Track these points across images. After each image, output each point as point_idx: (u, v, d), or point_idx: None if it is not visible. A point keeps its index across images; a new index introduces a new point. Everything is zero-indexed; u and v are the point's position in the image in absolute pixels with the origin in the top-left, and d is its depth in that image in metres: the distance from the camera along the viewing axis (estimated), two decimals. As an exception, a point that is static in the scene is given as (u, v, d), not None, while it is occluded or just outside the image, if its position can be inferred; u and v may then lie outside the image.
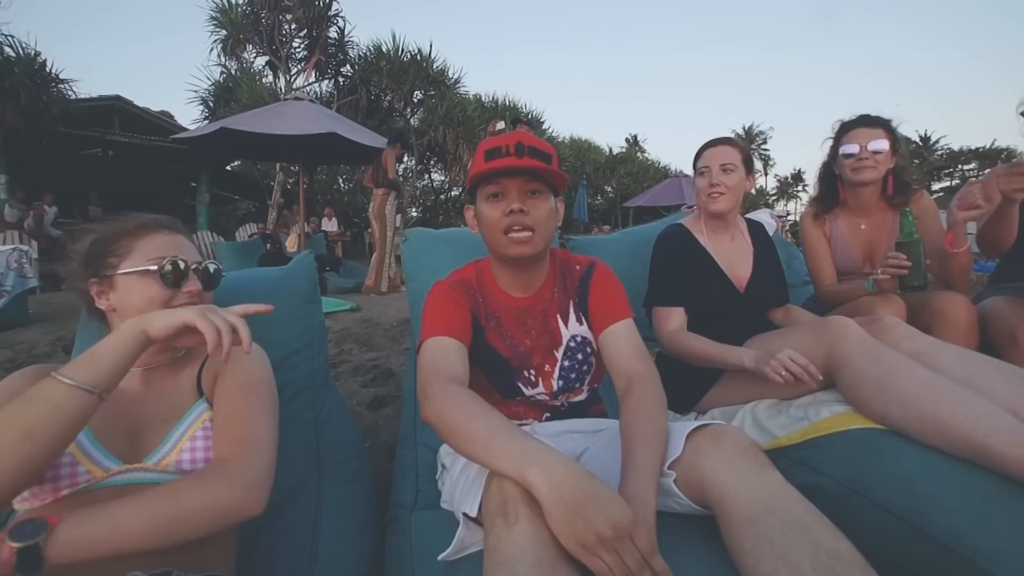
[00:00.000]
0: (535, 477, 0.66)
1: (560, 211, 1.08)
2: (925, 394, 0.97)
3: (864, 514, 0.95)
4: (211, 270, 0.95)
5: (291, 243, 7.49)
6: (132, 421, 0.85)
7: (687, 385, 1.40)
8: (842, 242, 1.72)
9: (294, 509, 1.04)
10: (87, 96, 10.04)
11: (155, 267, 0.87)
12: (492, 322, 1.09)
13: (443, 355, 0.94)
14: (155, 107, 13.07)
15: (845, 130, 1.65)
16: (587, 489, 0.64)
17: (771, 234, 1.77)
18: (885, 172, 1.61)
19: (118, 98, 10.81)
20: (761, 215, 3.79)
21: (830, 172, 1.74)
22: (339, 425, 1.26)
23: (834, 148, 1.69)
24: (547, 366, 1.09)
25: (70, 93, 9.20)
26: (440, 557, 0.79)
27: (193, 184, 11.88)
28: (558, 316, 1.11)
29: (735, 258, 1.55)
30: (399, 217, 5.68)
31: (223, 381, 0.89)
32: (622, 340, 1.03)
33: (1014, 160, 1.36)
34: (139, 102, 11.30)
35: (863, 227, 1.69)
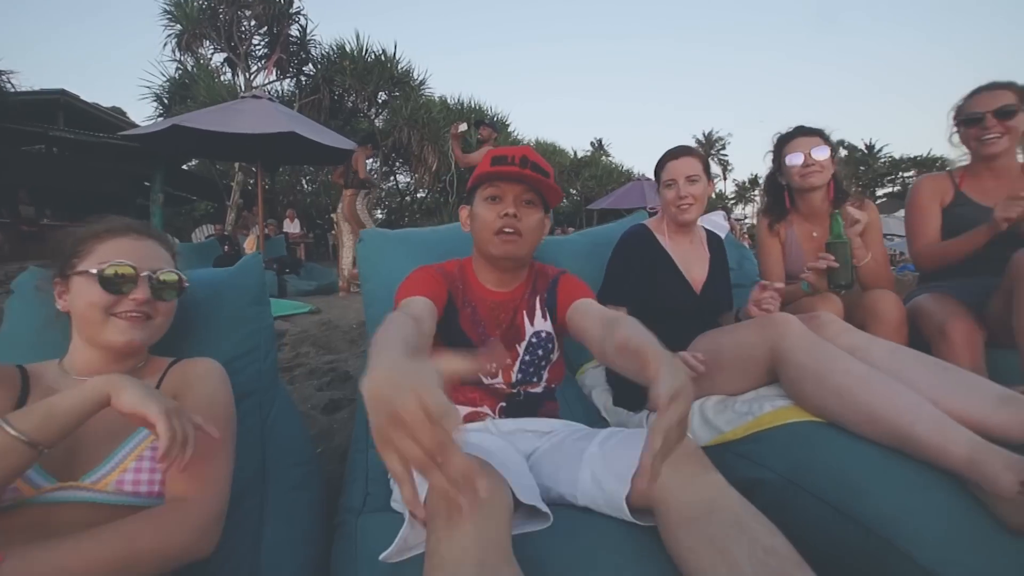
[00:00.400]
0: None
1: (547, 225, 1.17)
2: (858, 386, 1.02)
3: (802, 504, 1.00)
4: (162, 279, 0.91)
5: (249, 244, 7.27)
6: (72, 435, 0.79)
7: (636, 384, 1.43)
8: (796, 247, 1.78)
9: (236, 515, 0.99)
10: (28, 89, 9.53)
11: (95, 271, 0.84)
12: (468, 309, 1.14)
13: (409, 303, 0.99)
14: (105, 103, 12.51)
15: (785, 142, 1.72)
16: (399, 368, 0.55)
17: (723, 235, 1.83)
18: (828, 179, 1.68)
19: (63, 92, 10.30)
20: (715, 216, 3.91)
21: (775, 183, 1.80)
22: (287, 429, 1.23)
23: (777, 160, 1.75)
24: (508, 359, 1.12)
25: (7, 85, 8.70)
26: (381, 557, 0.78)
27: (147, 183, 11.38)
28: (524, 313, 1.16)
29: (693, 262, 1.60)
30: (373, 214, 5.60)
31: (182, 405, 0.84)
32: (592, 305, 1.09)
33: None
34: (87, 97, 10.81)
35: (815, 234, 1.76)
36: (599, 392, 1.65)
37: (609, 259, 1.63)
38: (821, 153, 1.64)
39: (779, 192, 1.79)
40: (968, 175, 1.72)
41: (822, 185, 1.68)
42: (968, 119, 1.65)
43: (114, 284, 0.84)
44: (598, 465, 0.89)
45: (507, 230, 1.06)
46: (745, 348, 1.23)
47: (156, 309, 0.90)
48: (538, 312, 1.17)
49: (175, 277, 0.93)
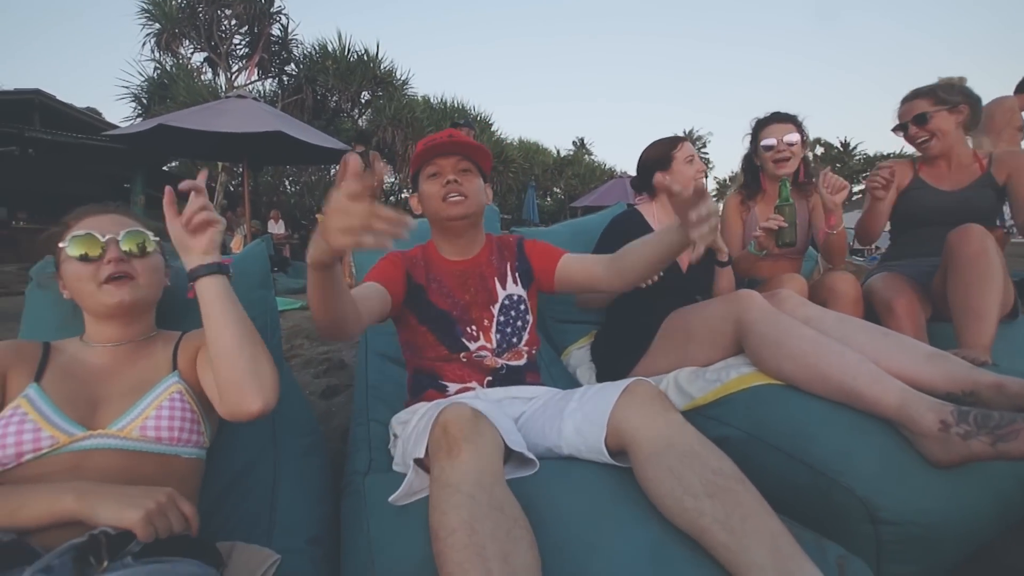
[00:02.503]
0: None
1: (489, 193, 1.32)
2: (810, 349, 1.14)
3: (762, 455, 1.12)
4: (126, 236, 0.94)
5: (236, 244, 7.27)
6: (97, 391, 0.88)
7: (619, 357, 1.55)
8: (755, 227, 1.92)
9: (251, 478, 1.10)
10: (1, 89, 9.34)
11: (63, 245, 0.91)
12: (434, 284, 1.26)
13: (359, 288, 1.14)
14: (80, 103, 12.29)
15: (761, 126, 1.88)
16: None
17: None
18: (798, 163, 1.85)
19: (38, 92, 10.09)
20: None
21: (752, 163, 1.97)
22: (293, 403, 1.32)
23: (753, 143, 1.91)
24: (485, 320, 1.25)
25: (-22, 85, 8.55)
26: (390, 498, 0.89)
27: (126, 185, 11.24)
28: (495, 278, 1.30)
29: None
30: None
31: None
32: (574, 256, 1.31)
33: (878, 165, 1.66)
34: (61, 97, 10.62)
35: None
36: (583, 370, 1.77)
37: (599, 238, 1.76)
38: (792, 138, 1.81)
39: (756, 172, 1.96)
40: (925, 163, 1.90)
41: (792, 170, 1.84)
42: (898, 128, 1.86)
43: (84, 254, 0.90)
44: (578, 417, 1.00)
45: (452, 196, 1.20)
46: (713, 321, 1.35)
47: (134, 268, 0.94)
48: (509, 277, 1.31)
49: (140, 233, 0.97)
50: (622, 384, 0.99)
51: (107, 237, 0.92)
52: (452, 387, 1.21)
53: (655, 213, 1.74)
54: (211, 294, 0.88)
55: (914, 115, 1.78)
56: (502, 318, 1.26)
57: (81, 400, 0.86)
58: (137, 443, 0.84)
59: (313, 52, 11.66)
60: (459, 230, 1.27)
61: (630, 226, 1.70)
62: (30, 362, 0.88)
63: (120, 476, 0.80)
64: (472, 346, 1.22)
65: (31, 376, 0.86)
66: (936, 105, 1.75)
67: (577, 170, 20.34)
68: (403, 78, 12.26)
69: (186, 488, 0.88)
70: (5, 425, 0.79)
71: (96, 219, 0.95)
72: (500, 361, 1.24)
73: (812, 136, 1.98)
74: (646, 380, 0.99)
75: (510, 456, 0.94)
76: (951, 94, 1.75)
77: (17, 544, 0.65)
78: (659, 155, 1.72)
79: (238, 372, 0.84)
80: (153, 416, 0.87)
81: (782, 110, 1.89)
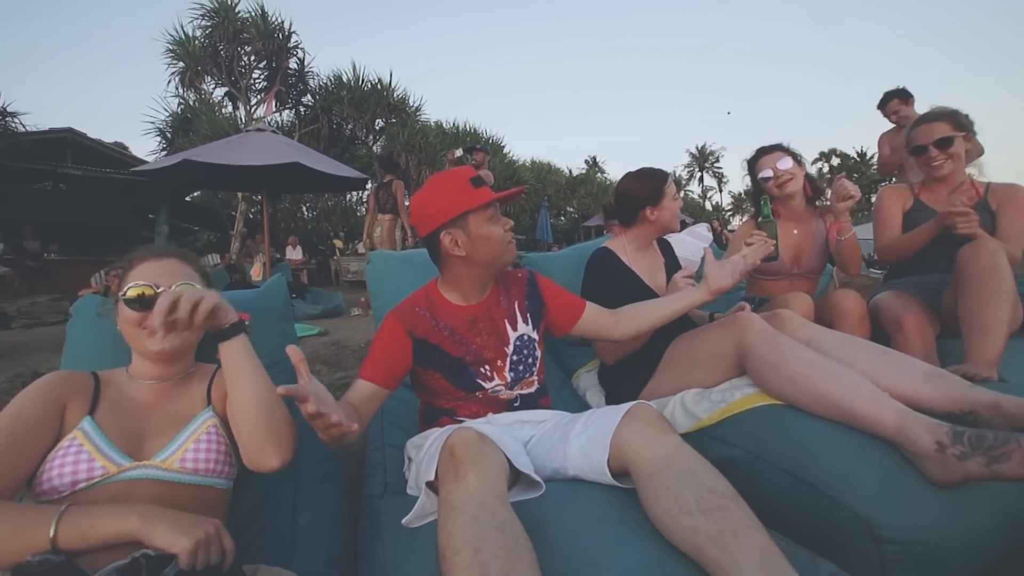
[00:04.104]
0: None
1: None
2: (809, 371, 1.17)
3: (767, 475, 1.15)
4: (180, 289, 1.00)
5: (256, 271, 7.45)
6: (142, 425, 0.96)
7: (626, 380, 1.59)
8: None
9: (273, 504, 1.15)
10: (37, 129, 9.82)
11: (120, 295, 0.99)
12: (446, 333, 1.22)
13: (352, 391, 1.14)
14: (108, 139, 12.83)
15: (753, 164, 1.95)
16: None
17: (707, 244, 2.01)
18: (802, 182, 1.90)
19: (70, 131, 10.59)
20: (699, 228, 4.14)
21: (759, 192, 2.01)
22: (312, 432, 1.37)
23: (753, 181, 1.98)
24: (499, 362, 1.24)
25: (18, 126, 8.99)
26: (403, 520, 0.94)
27: (151, 216, 11.65)
28: (505, 320, 1.27)
29: (654, 271, 1.77)
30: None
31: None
32: (591, 309, 1.36)
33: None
34: (91, 134, 11.12)
35: (795, 232, 1.96)
36: (593, 393, 1.80)
37: (583, 283, 1.75)
38: (785, 163, 1.86)
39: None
40: (924, 187, 1.94)
41: (796, 191, 1.89)
42: (916, 149, 1.87)
43: (137, 303, 0.97)
44: (583, 439, 1.04)
45: (510, 240, 1.21)
46: (715, 345, 1.38)
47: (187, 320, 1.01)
48: (519, 318, 1.29)
49: (190, 286, 1.01)
50: (625, 407, 1.03)
51: (161, 289, 0.99)
52: (466, 421, 1.23)
53: (626, 248, 1.74)
54: (229, 356, 0.94)
55: (938, 138, 1.79)
56: (515, 357, 1.26)
57: (128, 433, 0.93)
58: (177, 474, 0.92)
59: (328, 83, 12.05)
60: (496, 275, 1.28)
61: (609, 272, 1.70)
62: (85, 394, 0.95)
63: (160, 503, 0.85)
64: (488, 385, 1.23)
65: (86, 408, 0.93)
66: (955, 130, 1.79)
67: (590, 189, 20.51)
68: (416, 104, 12.58)
69: (217, 516, 0.94)
70: (63, 455, 0.86)
71: (153, 265, 1.02)
72: (515, 392, 1.27)
73: (828, 147, 2.06)
74: (647, 404, 1.03)
75: (518, 478, 0.98)
76: (966, 120, 1.80)
77: (68, 565, 0.71)
78: (652, 190, 1.67)
79: (257, 433, 0.91)
80: (192, 449, 0.94)
81: (765, 144, 1.97)
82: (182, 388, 1.04)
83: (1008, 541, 1.00)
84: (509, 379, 1.25)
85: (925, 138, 1.83)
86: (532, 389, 1.30)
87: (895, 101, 3.64)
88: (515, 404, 1.27)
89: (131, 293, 0.98)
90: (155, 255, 1.05)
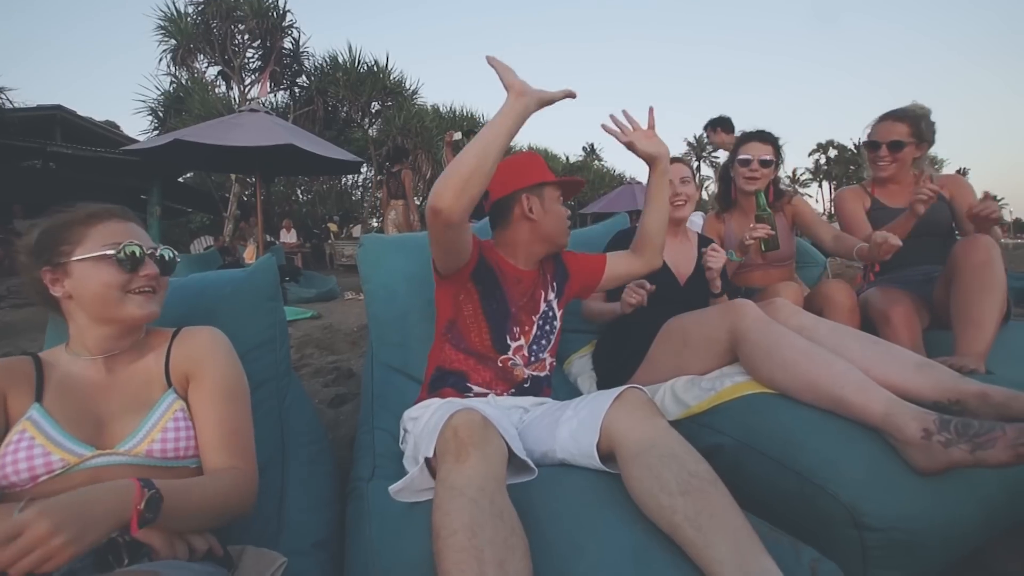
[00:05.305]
0: None
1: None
2: (800, 358, 1.17)
3: (753, 462, 1.15)
4: (166, 256, 0.97)
5: (249, 254, 7.39)
6: (99, 409, 0.90)
7: (619, 366, 1.59)
8: (733, 241, 2.01)
9: (261, 484, 1.14)
10: (25, 106, 9.62)
11: (112, 252, 0.89)
12: (499, 273, 1.31)
13: None
14: (99, 117, 12.62)
15: (744, 140, 1.96)
16: None
17: (700, 231, 2.02)
18: (767, 183, 1.95)
19: (59, 108, 10.39)
20: (693, 216, 4.18)
21: (727, 174, 2.05)
22: (302, 413, 1.37)
23: (733, 153, 2.00)
24: (526, 326, 1.31)
25: (6, 103, 8.82)
26: (391, 488, 0.94)
27: (143, 197, 11.49)
28: (541, 289, 1.37)
29: (680, 257, 1.79)
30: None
31: (201, 384, 0.94)
32: (614, 254, 1.48)
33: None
34: (80, 111, 10.90)
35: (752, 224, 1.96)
36: (584, 378, 1.80)
37: (607, 250, 1.78)
38: (766, 159, 1.92)
39: (729, 183, 2.05)
40: (877, 185, 1.98)
41: (758, 191, 1.92)
42: (870, 144, 1.91)
43: (130, 264, 0.90)
44: (574, 423, 1.05)
45: (570, 226, 1.37)
46: (708, 329, 1.38)
47: (160, 283, 0.95)
48: (550, 288, 1.38)
49: (173, 254, 0.99)
50: (616, 391, 1.03)
51: (149, 250, 0.94)
52: (475, 389, 1.24)
53: None
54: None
55: (892, 140, 1.85)
56: (538, 331, 1.32)
57: (84, 419, 0.87)
58: (146, 459, 0.87)
59: (324, 64, 11.88)
60: (547, 254, 1.37)
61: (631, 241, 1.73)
62: (26, 380, 0.88)
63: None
64: (512, 346, 1.27)
65: (31, 395, 0.86)
66: (912, 137, 1.84)
67: (586, 176, 20.41)
68: (412, 88, 12.44)
69: None
70: (15, 451, 0.81)
71: (118, 226, 0.94)
72: (527, 372, 1.29)
73: (825, 139, 2.09)
74: (638, 388, 1.03)
75: (510, 461, 0.98)
76: (927, 130, 1.84)
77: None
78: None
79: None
80: (159, 439, 0.89)
81: (768, 130, 1.99)
82: (134, 364, 0.96)
83: (987, 530, 1.01)
84: (528, 350, 1.30)
85: (881, 136, 1.88)
86: (543, 372, 1.34)
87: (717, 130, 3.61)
88: (525, 385, 1.29)
89: (128, 251, 0.89)
90: (116, 216, 0.95)
